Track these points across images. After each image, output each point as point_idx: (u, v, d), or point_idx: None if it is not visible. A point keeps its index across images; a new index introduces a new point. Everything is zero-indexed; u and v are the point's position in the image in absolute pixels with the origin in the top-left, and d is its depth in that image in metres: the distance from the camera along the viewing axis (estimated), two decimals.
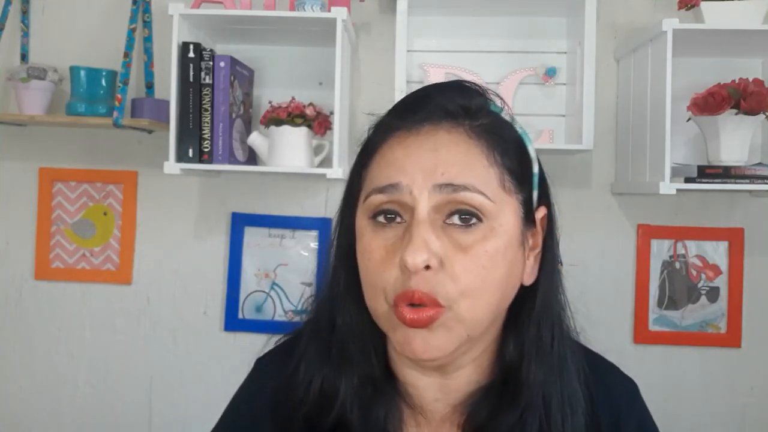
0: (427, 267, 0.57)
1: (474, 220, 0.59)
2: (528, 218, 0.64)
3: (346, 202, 0.68)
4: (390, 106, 0.67)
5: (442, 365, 0.65)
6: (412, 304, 0.58)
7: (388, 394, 0.66)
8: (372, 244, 0.61)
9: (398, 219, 0.60)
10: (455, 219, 0.59)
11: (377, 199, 0.60)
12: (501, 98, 0.66)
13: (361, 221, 0.63)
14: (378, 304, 0.61)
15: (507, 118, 0.65)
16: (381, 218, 0.61)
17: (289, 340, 0.75)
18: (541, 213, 0.66)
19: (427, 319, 0.58)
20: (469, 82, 0.66)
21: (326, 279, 0.70)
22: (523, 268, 0.64)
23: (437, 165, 0.59)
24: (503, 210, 0.60)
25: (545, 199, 0.67)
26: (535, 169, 0.65)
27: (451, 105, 0.62)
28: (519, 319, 0.65)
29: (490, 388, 0.65)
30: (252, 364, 0.77)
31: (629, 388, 0.72)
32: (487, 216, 0.59)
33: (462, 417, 0.66)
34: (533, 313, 0.65)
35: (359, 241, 0.63)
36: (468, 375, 0.66)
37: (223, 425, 0.75)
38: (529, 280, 0.65)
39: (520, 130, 0.65)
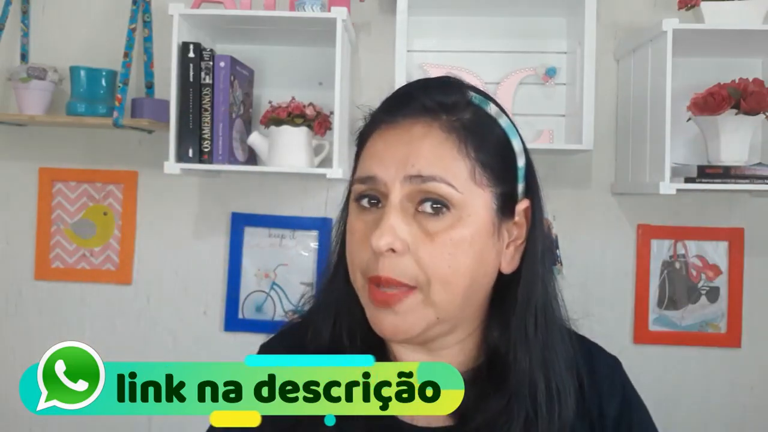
0: (393, 250, 0.62)
1: (444, 209, 0.63)
2: (504, 210, 0.66)
3: (347, 192, 0.73)
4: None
5: (422, 342, 0.67)
6: (379, 285, 0.63)
7: None
8: (355, 225, 0.67)
9: (380, 204, 0.65)
10: (427, 207, 0.63)
11: (359, 188, 0.67)
12: (485, 94, 0.69)
13: (351, 204, 0.69)
14: (356, 280, 0.67)
15: (491, 113, 0.67)
16: (364, 202, 0.66)
17: (292, 326, 0.77)
18: (523, 205, 0.68)
19: (394, 299, 0.62)
20: (454, 78, 0.68)
21: (330, 266, 0.74)
22: (499, 257, 0.67)
23: (408, 157, 0.63)
24: (472, 201, 0.63)
25: (532, 191, 0.69)
26: (521, 162, 0.68)
27: (429, 102, 0.65)
28: (504, 307, 0.68)
29: (477, 372, 0.68)
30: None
31: (611, 365, 0.74)
32: (455, 205, 0.63)
33: None
34: (516, 302, 0.67)
35: (348, 220, 0.69)
36: (454, 356, 0.68)
37: None
38: (508, 269, 0.68)
39: (505, 125, 0.67)
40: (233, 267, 1.77)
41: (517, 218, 0.68)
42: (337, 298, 0.71)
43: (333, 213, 1.76)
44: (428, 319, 0.63)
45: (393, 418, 0.66)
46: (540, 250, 0.69)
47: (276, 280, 1.77)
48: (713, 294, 1.72)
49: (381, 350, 0.70)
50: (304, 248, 1.77)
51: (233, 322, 1.77)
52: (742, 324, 1.70)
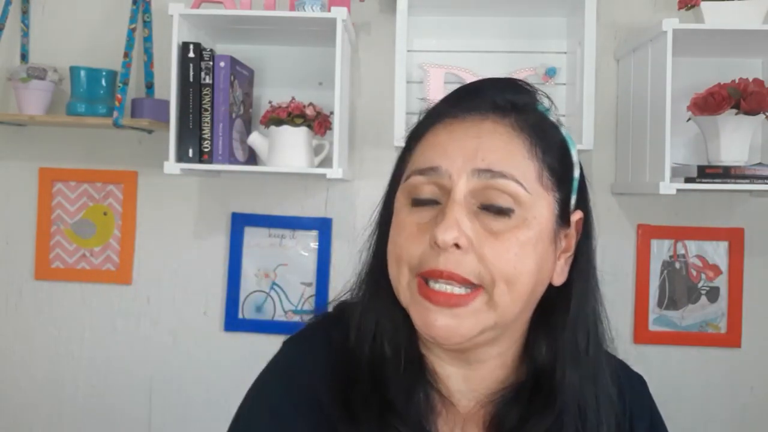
0: (457, 246, 0.58)
1: (509, 211, 0.60)
2: (563, 218, 0.64)
3: (390, 188, 0.69)
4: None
5: (463, 352, 0.65)
6: (433, 280, 0.59)
7: (423, 378, 0.66)
8: (406, 221, 0.62)
9: (435, 202, 0.62)
10: (491, 207, 0.60)
11: (417, 180, 0.62)
12: (551, 100, 0.68)
13: (400, 200, 0.65)
14: (401, 275, 0.62)
15: (553, 119, 0.66)
16: (419, 197, 0.63)
17: (322, 320, 0.74)
18: (576, 216, 0.67)
19: (461, 300, 0.59)
20: (521, 80, 0.67)
21: (366, 261, 0.70)
22: (553, 267, 0.64)
23: (478, 150, 0.60)
24: (538, 203, 0.61)
25: (583, 205, 0.68)
26: (576, 173, 0.66)
27: (500, 99, 0.64)
28: (552, 321, 0.66)
29: (520, 390, 0.65)
30: (261, 363, 0.73)
31: (640, 385, 0.74)
32: (521, 206, 0.60)
33: (488, 416, 0.66)
34: (568, 317, 0.65)
35: (395, 217, 0.65)
36: (491, 369, 0.66)
37: (260, 406, 0.67)
38: (558, 281, 0.65)
39: (564, 133, 0.66)
40: (233, 267, 1.77)
41: (570, 229, 0.66)
42: (380, 307, 0.67)
43: (333, 213, 1.78)
44: (485, 323, 0.60)
45: None
46: (593, 264, 0.67)
47: (276, 280, 1.77)
48: (713, 294, 1.72)
49: (419, 363, 0.67)
50: (304, 248, 1.77)
51: (233, 322, 1.77)
52: (742, 324, 1.70)
